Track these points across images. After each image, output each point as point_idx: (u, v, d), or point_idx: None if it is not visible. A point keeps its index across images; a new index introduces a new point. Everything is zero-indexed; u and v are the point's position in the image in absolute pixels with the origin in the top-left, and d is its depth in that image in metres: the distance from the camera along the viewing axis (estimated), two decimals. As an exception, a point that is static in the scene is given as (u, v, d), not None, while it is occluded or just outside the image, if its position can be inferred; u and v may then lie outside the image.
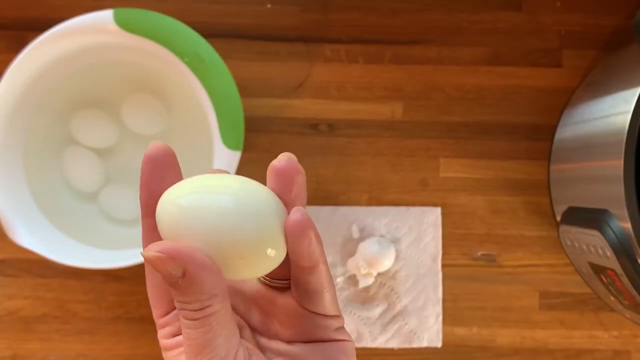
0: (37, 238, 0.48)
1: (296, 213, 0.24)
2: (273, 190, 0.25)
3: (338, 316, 0.27)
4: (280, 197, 0.25)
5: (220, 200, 0.23)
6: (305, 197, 0.26)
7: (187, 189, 0.24)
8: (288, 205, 0.25)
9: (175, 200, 0.24)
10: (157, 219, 0.24)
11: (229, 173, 0.26)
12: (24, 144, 0.51)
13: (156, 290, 0.26)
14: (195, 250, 0.22)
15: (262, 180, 0.26)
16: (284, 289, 0.27)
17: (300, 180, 0.25)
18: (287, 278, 0.27)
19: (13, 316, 0.56)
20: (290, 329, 0.26)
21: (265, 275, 0.27)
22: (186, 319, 0.23)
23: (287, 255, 0.25)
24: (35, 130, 0.52)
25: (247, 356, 0.24)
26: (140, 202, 0.25)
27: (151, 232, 0.25)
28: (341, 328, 0.27)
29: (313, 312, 0.26)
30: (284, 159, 0.25)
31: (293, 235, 0.24)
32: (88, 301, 0.56)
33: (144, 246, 0.26)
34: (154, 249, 0.22)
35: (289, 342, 0.26)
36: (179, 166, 0.25)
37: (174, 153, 0.25)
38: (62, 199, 0.54)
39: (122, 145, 0.55)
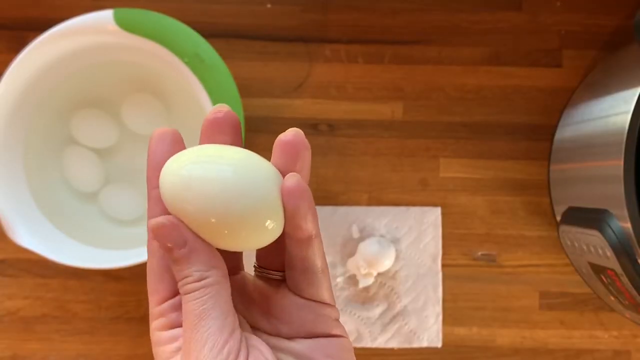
0: (37, 238, 0.48)
1: (291, 178, 0.24)
2: (278, 164, 0.25)
3: (333, 306, 0.27)
4: (284, 172, 0.25)
5: (221, 171, 0.23)
6: (309, 173, 0.26)
7: (189, 158, 0.24)
8: None
9: (176, 170, 0.24)
10: (160, 188, 0.24)
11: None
12: (24, 144, 0.51)
13: (157, 271, 0.26)
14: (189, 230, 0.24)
15: None
16: (280, 282, 0.27)
17: (306, 155, 0.25)
18: (281, 269, 0.27)
19: (13, 316, 0.56)
20: (290, 323, 0.27)
21: (260, 265, 0.28)
22: (187, 292, 0.24)
23: (282, 239, 0.25)
24: (35, 130, 0.52)
25: (244, 339, 0.24)
26: (147, 175, 0.25)
27: (156, 204, 0.25)
28: (337, 321, 0.27)
29: (309, 300, 0.26)
30: (291, 133, 0.25)
31: (290, 198, 0.24)
32: (88, 301, 0.56)
33: (149, 217, 0.26)
34: (162, 218, 0.24)
35: (290, 338, 0.27)
36: (183, 142, 0.26)
37: (178, 132, 0.26)
38: (62, 199, 0.54)
39: (122, 145, 0.55)
